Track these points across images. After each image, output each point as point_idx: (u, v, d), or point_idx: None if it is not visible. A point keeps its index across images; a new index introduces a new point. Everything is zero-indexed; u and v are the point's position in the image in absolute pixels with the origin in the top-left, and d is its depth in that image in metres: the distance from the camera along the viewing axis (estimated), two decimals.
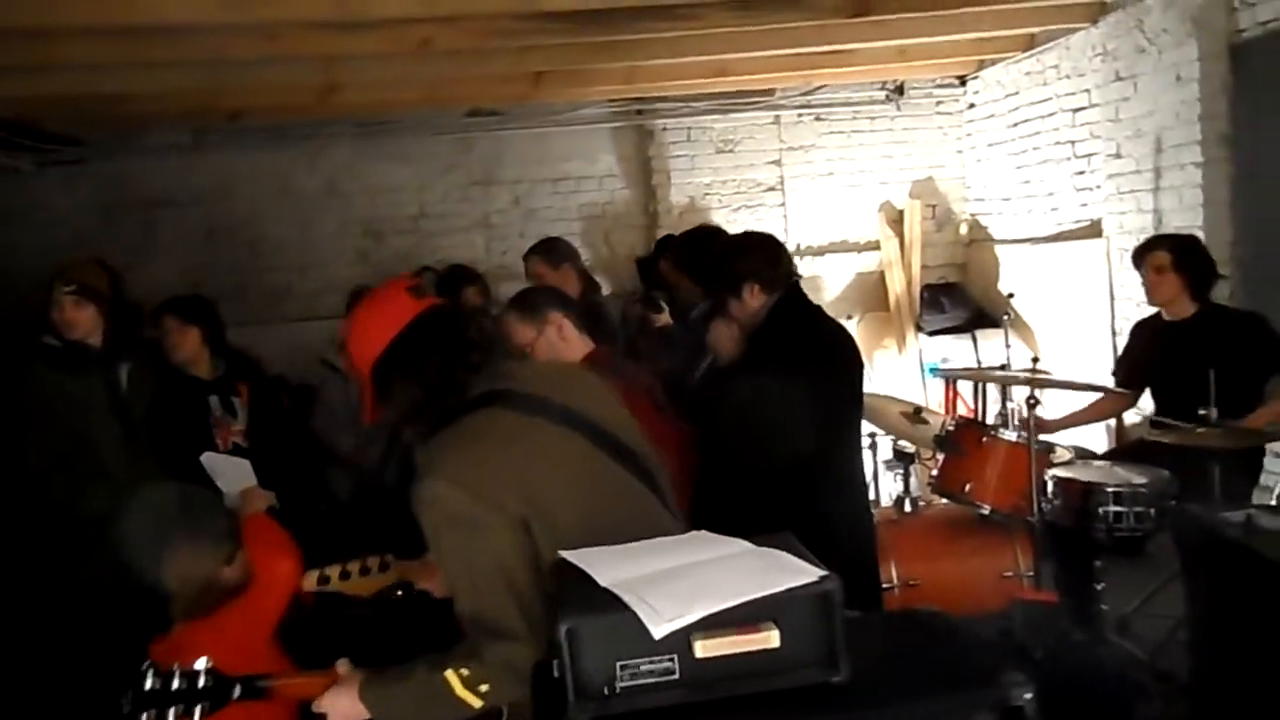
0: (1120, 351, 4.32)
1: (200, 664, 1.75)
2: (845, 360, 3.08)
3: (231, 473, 3.42)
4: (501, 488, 1.70)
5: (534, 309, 2.90)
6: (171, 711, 1.71)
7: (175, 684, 1.73)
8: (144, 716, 1.71)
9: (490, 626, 1.68)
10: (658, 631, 1.33)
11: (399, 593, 2.95)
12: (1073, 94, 5.77)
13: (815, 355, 2.96)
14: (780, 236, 4.64)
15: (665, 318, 4.40)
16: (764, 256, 3.08)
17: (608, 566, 1.47)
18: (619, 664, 1.35)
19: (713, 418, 3.00)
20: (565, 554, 1.56)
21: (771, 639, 1.36)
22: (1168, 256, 3.93)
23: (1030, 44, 6.06)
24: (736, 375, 3.03)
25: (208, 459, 3.42)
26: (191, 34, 4.17)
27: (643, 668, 1.35)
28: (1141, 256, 4.06)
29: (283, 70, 4.92)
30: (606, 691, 1.35)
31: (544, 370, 2.04)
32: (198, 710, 1.73)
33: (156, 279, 5.33)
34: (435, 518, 1.72)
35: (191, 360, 3.80)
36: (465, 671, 1.67)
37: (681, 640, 1.34)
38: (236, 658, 2.33)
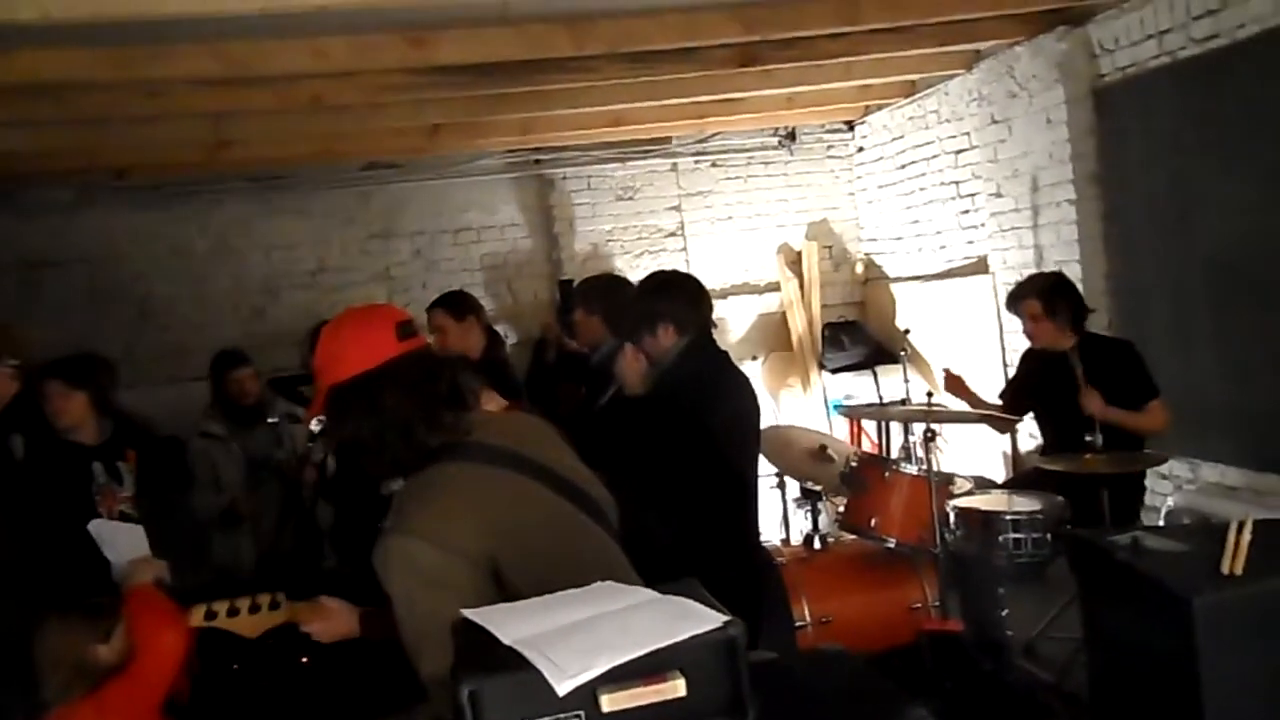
0: (1010, 377, 4.49)
1: None
2: (746, 407, 3.12)
3: (122, 541, 3.24)
4: (471, 540, 1.68)
5: None
6: None
7: None
8: None
9: None
10: (562, 688, 1.31)
11: (304, 659, 2.83)
12: (954, 137, 6.02)
13: (720, 399, 3.00)
14: None
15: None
16: (685, 298, 3.12)
17: (510, 623, 1.45)
18: None
19: (616, 450, 3.01)
20: (467, 612, 1.53)
21: (678, 688, 1.35)
22: (1039, 305, 4.08)
23: (912, 90, 6.32)
24: (642, 414, 3.05)
25: (95, 526, 3.24)
26: (74, 91, 4.06)
27: None
28: (1015, 304, 4.23)
29: (170, 127, 4.82)
30: None
31: (498, 420, 2.03)
32: None
33: (39, 341, 5.12)
34: (405, 576, 1.67)
35: (76, 426, 3.64)
36: None
37: (587, 695, 1.32)
38: None
